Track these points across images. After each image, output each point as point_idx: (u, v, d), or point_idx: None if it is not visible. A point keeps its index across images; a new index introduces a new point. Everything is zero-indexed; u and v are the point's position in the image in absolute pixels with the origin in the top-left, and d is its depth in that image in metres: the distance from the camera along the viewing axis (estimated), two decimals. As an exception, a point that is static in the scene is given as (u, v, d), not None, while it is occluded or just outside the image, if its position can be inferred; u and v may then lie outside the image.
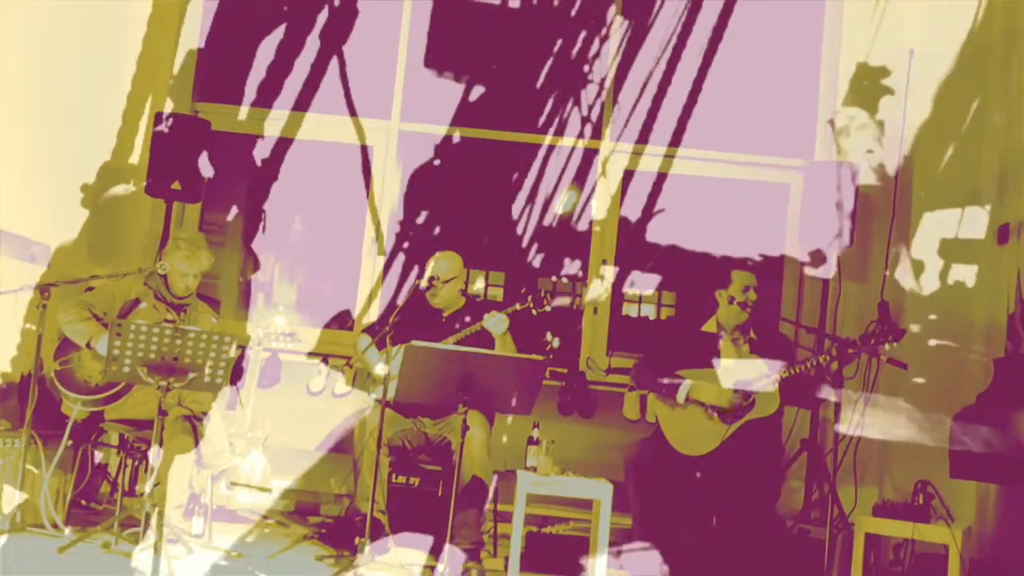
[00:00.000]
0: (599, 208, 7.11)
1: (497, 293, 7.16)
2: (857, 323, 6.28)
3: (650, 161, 7.16)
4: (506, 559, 5.37)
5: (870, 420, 4.92)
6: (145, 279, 5.53)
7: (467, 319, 5.74)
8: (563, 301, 6.06)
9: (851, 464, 5.93)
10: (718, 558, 5.28)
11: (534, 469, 5.48)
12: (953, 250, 5.68)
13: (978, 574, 5.24)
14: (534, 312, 5.58)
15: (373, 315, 6.99)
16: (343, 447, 6.37)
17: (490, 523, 5.79)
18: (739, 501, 5.16)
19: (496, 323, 5.57)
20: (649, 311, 7.22)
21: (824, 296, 6.45)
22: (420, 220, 7.20)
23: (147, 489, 4.88)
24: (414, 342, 4.96)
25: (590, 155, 7.18)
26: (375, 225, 7.14)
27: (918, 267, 5.22)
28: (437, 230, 7.17)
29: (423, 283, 5.75)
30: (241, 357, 6.06)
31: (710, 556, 5.41)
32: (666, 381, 5.34)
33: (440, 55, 7.06)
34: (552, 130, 7.12)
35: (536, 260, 7.15)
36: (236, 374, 5.85)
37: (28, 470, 5.18)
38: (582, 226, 7.16)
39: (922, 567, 5.37)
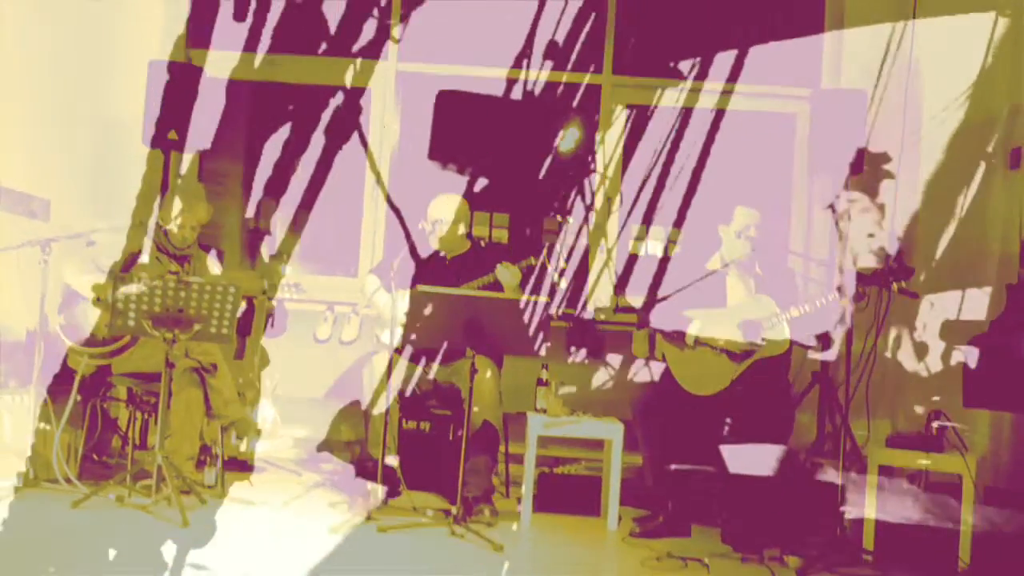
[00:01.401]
0: (604, 145, 7.13)
1: (502, 235, 7.20)
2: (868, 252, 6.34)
3: (653, 95, 7.17)
4: (519, 500, 5.49)
5: (879, 503, 4.99)
6: (146, 231, 5.59)
7: (479, 267, 5.78)
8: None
9: (863, 396, 5.99)
10: (731, 494, 5.37)
11: (544, 411, 5.57)
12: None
13: (993, 502, 5.30)
14: (548, 267, 5.64)
15: (377, 260, 7.03)
16: (352, 394, 6.46)
17: (502, 466, 5.90)
18: (751, 438, 5.24)
19: (509, 276, 5.62)
20: (657, 249, 7.26)
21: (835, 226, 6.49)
22: (422, 163, 7.21)
23: (157, 442, 5.00)
24: (419, 287, 5.02)
25: (593, 92, 7.19)
26: (375, 169, 7.17)
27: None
28: (439, 173, 7.18)
29: (426, 226, 5.80)
30: (248, 307, 6.13)
31: (723, 492, 5.50)
32: (673, 326, 5.41)
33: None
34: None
35: (541, 200, 7.18)
36: (243, 324, 5.93)
37: (39, 426, 5.29)
38: (586, 162, 7.18)
39: (937, 496, 5.42)
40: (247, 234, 7.31)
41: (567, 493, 5.76)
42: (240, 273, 6.87)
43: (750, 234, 5.43)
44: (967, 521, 5.02)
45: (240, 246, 7.30)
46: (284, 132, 7.25)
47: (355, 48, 7.25)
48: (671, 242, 7.21)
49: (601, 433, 5.61)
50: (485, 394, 5.42)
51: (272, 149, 7.27)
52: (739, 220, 5.45)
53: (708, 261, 5.59)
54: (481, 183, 7.01)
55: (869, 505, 5.16)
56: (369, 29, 7.26)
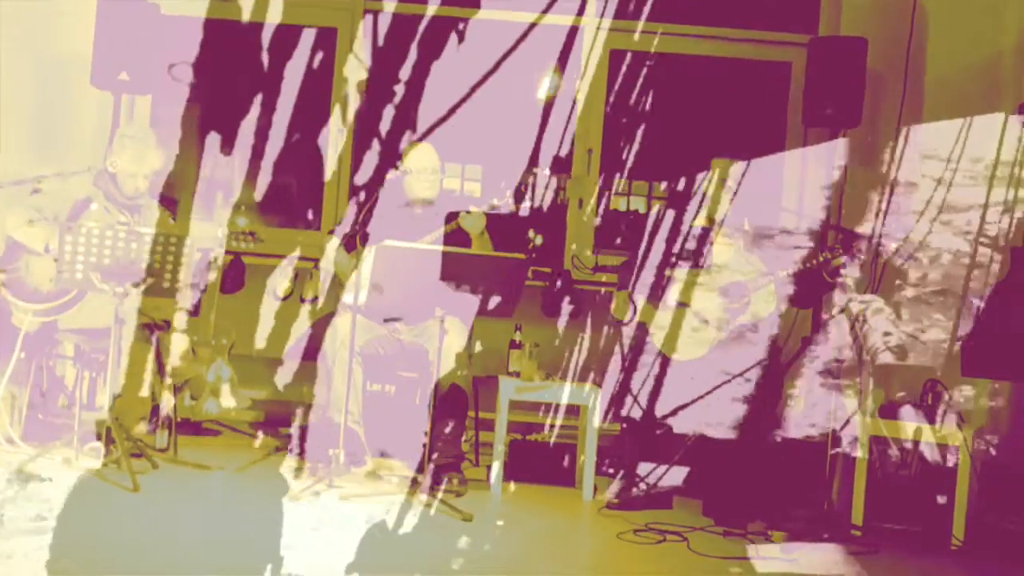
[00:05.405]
0: (583, 92, 7.14)
1: (474, 188, 7.22)
2: (865, 211, 6.40)
3: (638, 40, 7.18)
4: (488, 468, 5.56)
5: None
6: (94, 179, 5.60)
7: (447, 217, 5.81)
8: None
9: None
10: (718, 466, 5.44)
11: (517, 374, 5.63)
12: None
13: (990, 475, 5.39)
14: (514, 208, 5.66)
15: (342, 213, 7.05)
16: (313, 354, 6.50)
17: (471, 432, 5.96)
18: (735, 406, 5.31)
19: (473, 221, 5.65)
20: (639, 204, 7.30)
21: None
22: (391, 110, 7.22)
23: (106, 402, 5.04)
24: (386, 241, 5.06)
25: (573, 34, 7.19)
26: (342, 114, 7.16)
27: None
28: (410, 120, 7.19)
29: (397, 173, 5.81)
30: (202, 260, 6.14)
31: (710, 464, 5.58)
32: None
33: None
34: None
35: (516, 151, 7.19)
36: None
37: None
38: (565, 112, 7.19)
39: (931, 469, 5.51)
40: (202, 183, 7.30)
41: (540, 461, 5.82)
42: (194, 224, 6.88)
43: (728, 186, 5.45)
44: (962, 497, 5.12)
45: (195, 196, 7.29)
46: (244, 74, 7.22)
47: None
48: (655, 197, 7.24)
49: (577, 399, 5.67)
50: (454, 356, 5.47)
51: (231, 93, 7.25)
52: (716, 172, 5.48)
53: (694, 218, 5.63)
54: (454, 132, 7.04)
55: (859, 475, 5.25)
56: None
